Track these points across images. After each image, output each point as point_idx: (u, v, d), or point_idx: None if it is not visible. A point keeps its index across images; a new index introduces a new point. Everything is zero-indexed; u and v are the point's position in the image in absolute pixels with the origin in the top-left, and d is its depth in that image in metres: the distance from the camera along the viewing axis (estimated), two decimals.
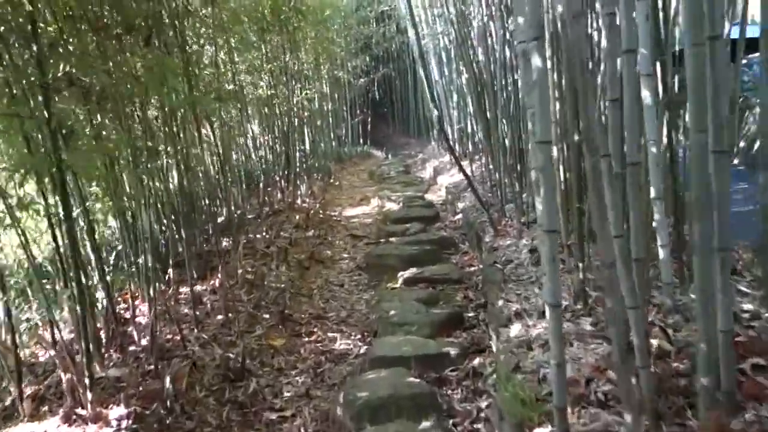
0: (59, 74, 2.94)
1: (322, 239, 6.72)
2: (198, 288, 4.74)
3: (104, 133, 3.34)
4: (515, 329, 3.32)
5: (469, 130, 8.86)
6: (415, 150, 17.24)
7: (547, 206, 2.06)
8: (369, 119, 19.22)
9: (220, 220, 6.87)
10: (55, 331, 3.19)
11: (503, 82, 5.74)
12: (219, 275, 4.78)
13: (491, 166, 6.86)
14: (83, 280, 3.06)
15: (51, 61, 2.69)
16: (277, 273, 5.33)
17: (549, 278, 2.09)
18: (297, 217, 6.90)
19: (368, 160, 15.30)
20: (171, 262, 5.09)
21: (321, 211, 7.83)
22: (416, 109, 19.22)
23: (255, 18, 6.78)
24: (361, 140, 18.37)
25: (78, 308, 2.91)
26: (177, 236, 5.58)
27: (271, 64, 7.47)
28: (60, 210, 3.34)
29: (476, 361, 3.60)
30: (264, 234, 6.39)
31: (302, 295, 5.13)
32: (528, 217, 5.13)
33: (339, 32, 15.06)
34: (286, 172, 7.57)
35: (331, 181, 10.62)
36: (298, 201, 7.76)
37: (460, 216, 6.92)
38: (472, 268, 5.40)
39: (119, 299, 4.40)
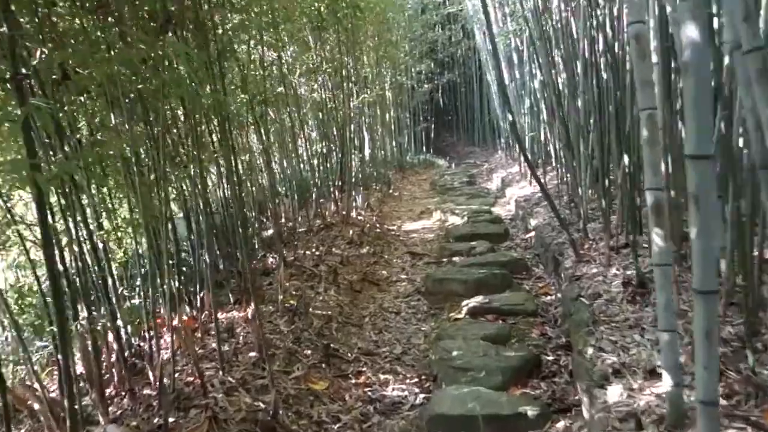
0: (55, 65, 2.39)
1: (377, 257, 6.08)
2: (234, 314, 4.16)
3: (101, 136, 2.78)
4: (614, 393, 2.59)
5: (542, 137, 8.08)
6: (481, 159, 16.48)
7: (703, 254, 1.35)
8: (432, 126, 18.55)
9: (269, 233, 6.35)
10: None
11: (589, 83, 4.98)
12: (253, 302, 4.20)
13: (569, 179, 6.09)
14: (65, 311, 2.49)
15: (29, 47, 2.13)
16: (324, 297, 4.71)
17: (703, 361, 1.38)
18: (351, 232, 6.26)
19: (431, 170, 14.61)
20: (207, 283, 4.55)
21: (378, 225, 7.20)
22: (482, 116, 18.47)
23: (309, 14, 6.21)
24: (424, 148, 17.70)
25: (59, 348, 2.33)
26: (217, 253, 5.07)
27: (327, 65, 6.90)
28: (62, 227, 2.82)
29: (560, 426, 2.88)
30: (313, 250, 5.79)
31: (352, 324, 4.49)
32: (617, 241, 4.36)
33: (403, 35, 14.44)
34: (340, 183, 6.96)
35: (391, 191, 9.99)
36: (353, 213, 7.14)
37: (532, 234, 6.16)
38: (549, 298, 4.66)
39: (145, 330, 3.86)
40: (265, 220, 6.84)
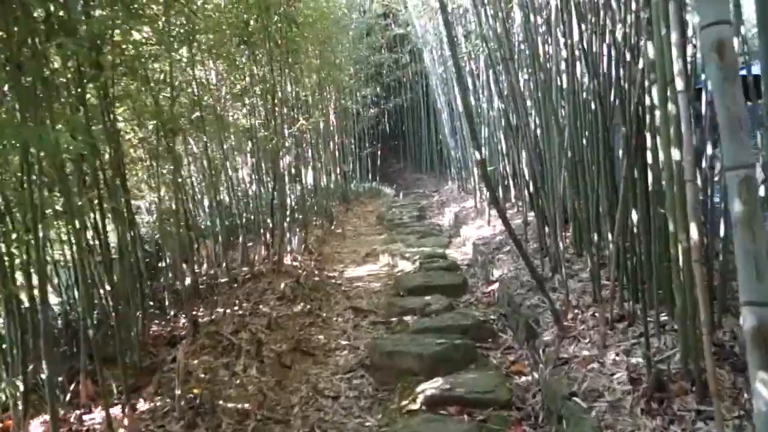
0: None
1: (314, 316, 5.08)
2: (118, 412, 3.11)
3: None
4: None
5: (504, 170, 7.26)
6: (430, 188, 15.69)
7: None
8: (378, 153, 17.71)
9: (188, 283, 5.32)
10: None
11: (570, 110, 4.14)
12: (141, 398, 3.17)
13: (537, 223, 5.23)
14: None
15: None
16: (242, 379, 3.69)
17: None
18: (283, 284, 5.25)
19: (377, 200, 13.72)
20: (84, 363, 3.50)
21: (317, 272, 6.21)
22: (429, 143, 17.75)
23: (234, 25, 5.24)
24: (370, 176, 16.82)
25: None
26: (110, 315, 4.01)
27: (257, 86, 5.92)
28: None
29: None
30: (236, 309, 4.77)
31: (275, 420, 3.47)
32: (611, 311, 3.48)
33: (348, 57, 13.59)
34: (270, 224, 5.94)
35: (333, 227, 9.00)
36: (288, 259, 6.13)
37: (495, 287, 5.27)
38: (524, 379, 3.75)
39: None
40: (184, 267, 5.79)
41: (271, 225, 5.82)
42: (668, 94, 2.62)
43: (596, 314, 3.60)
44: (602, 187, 3.75)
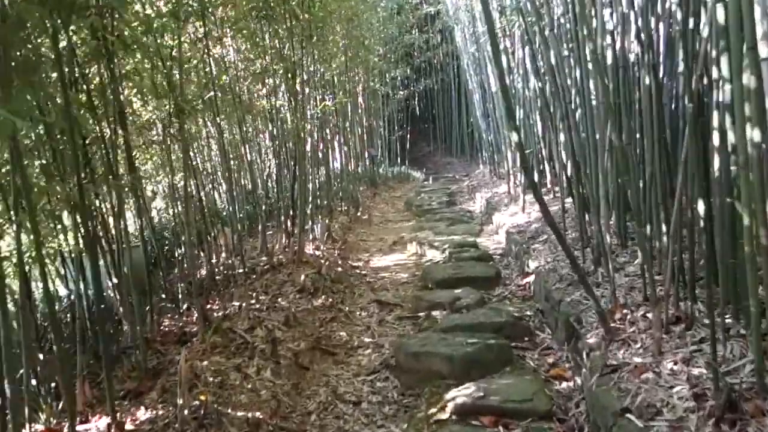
0: None
1: (335, 310, 4.75)
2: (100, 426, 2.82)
3: None
4: None
5: (540, 153, 6.84)
6: (460, 172, 15.27)
7: None
8: (408, 136, 17.31)
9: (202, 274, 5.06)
10: None
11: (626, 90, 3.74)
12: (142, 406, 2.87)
13: (577, 211, 4.83)
14: None
15: None
16: (255, 383, 3.38)
17: None
18: (303, 276, 4.93)
19: (406, 185, 13.36)
20: (81, 363, 3.22)
21: (340, 262, 5.87)
22: (460, 126, 17.30)
23: None
24: (399, 159, 16.44)
25: None
26: (123, 310, 3.76)
27: (278, 65, 5.57)
28: None
29: None
30: (253, 303, 4.47)
31: (289, 430, 3.15)
32: (666, 312, 3.08)
33: (377, 37, 13.19)
34: (291, 211, 5.61)
35: (359, 213, 8.65)
36: (310, 248, 5.81)
37: (531, 279, 4.89)
38: (565, 385, 3.38)
39: None
40: (200, 255, 5.53)
41: (291, 212, 5.49)
42: (744, 63, 2.21)
43: (648, 315, 3.21)
44: (657, 172, 3.34)
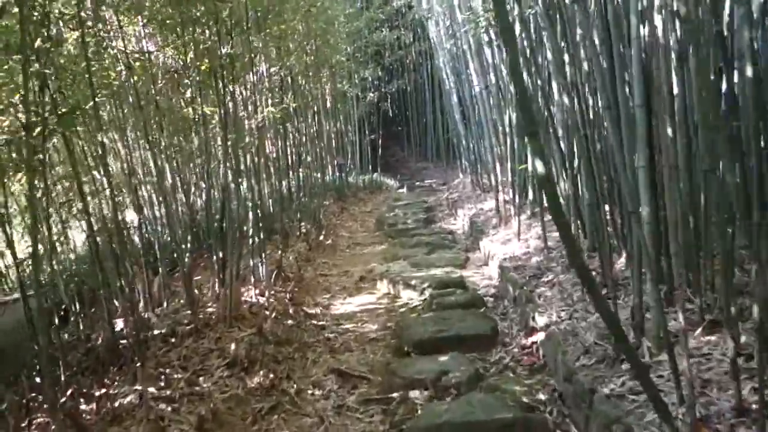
0: None
1: (278, 393, 3.47)
2: None
3: None
4: None
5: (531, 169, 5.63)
6: (436, 180, 14.12)
7: None
8: (380, 140, 16.11)
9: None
10: None
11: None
12: None
13: (607, 249, 3.64)
14: None
15: None
16: None
17: None
18: (233, 344, 3.66)
19: (378, 195, 12.14)
20: None
21: (292, 310, 4.62)
22: (435, 129, 16.22)
23: None
24: (371, 166, 15.21)
25: None
26: None
27: (199, 62, 4.30)
28: None
29: None
30: (161, 387, 3.20)
31: None
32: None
33: (342, 35, 11.97)
34: (221, 249, 4.27)
35: (322, 237, 7.38)
36: (252, 293, 4.55)
37: (540, 338, 3.68)
38: None
39: None
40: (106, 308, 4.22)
41: (221, 251, 4.20)
42: None
43: None
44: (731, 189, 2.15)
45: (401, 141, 18.11)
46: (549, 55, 4.49)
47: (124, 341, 3.82)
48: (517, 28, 4.55)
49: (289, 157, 8.12)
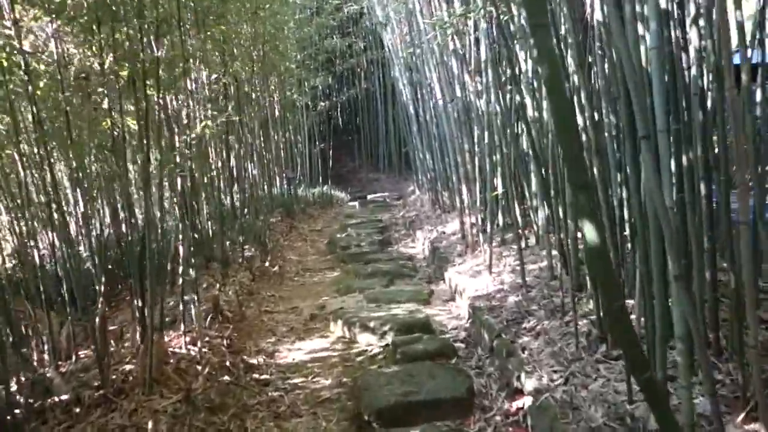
0: None
1: None
2: None
3: None
4: None
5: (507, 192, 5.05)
6: (390, 193, 13.58)
7: None
8: (330, 151, 15.44)
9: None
10: None
11: None
12: None
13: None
14: None
15: None
16: None
17: None
18: (151, 423, 2.92)
19: (329, 210, 11.47)
20: None
21: (230, 360, 3.89)
22: (387, 139, 15.73)
23: None
24: (321, 178, 14.54)
25: None
26: None
27: (121, 64, 3.56)
28: None
29: None
30: None
31: None
32: None
33: (291, 41, 11.31)
34: (138, 288, 3.50)
35: (267, 263, 6.64)
36: (180, 342, 3.81)
37: (526, 402, 3.05)
38: None
39: None
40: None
41: (139, 290, 3.44)
42: None
43: None
44: None
45: (352, 151, 17.53)
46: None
47: (18, 412, 3.06)
48: None
49: (233, 171, 7.39)
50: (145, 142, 3.32)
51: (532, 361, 3.30)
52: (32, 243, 4.05)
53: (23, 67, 3.31)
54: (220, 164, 7.65)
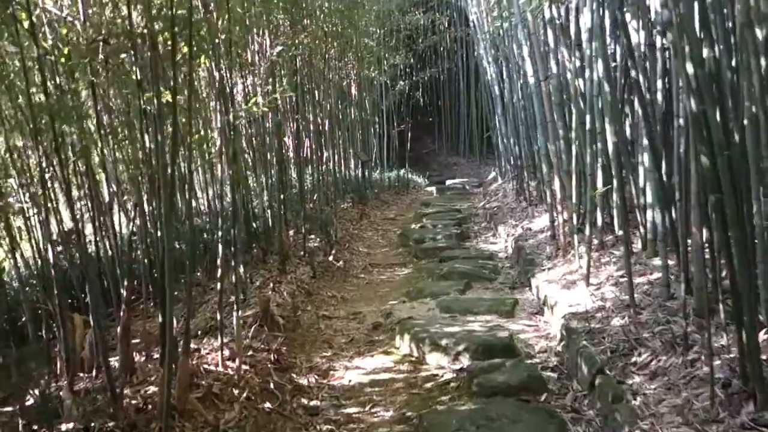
0: None
1: None
2: None
3: None
4: None
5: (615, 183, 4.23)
6: (470, 178, 12.85)
7: None
8: (409, 132, 14.74)
9: None
10: None
11: None
12: None
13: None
14: None
15: None
16: None
17: None
18: None
19: (404, 197, 10.83)
20: None
21: (275, 379, 3.30)
22: (469, 121, 14.93)
23: None
24: (398, 160, 13.90)
25: None
26: None
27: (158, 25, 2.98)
28: None
29: None
30: None
31: None
32: None
33: (372, 16, 10.71)
34: (160, 301, 2.92)
35: (332, 256, 6.05)
36: (217, 358, 3.24)
37: None
38: None
39: None
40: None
41: (161, 306, 2.87)
42: None
43: None
44: None
45: (432, 133, 16.83)
46: None
47: None
48: None
49: (300, 152, 6.85)
50: (174, 119, 2.72)
51: (648, 414, 2.55)
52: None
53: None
54: (290, 144, 7.14)
